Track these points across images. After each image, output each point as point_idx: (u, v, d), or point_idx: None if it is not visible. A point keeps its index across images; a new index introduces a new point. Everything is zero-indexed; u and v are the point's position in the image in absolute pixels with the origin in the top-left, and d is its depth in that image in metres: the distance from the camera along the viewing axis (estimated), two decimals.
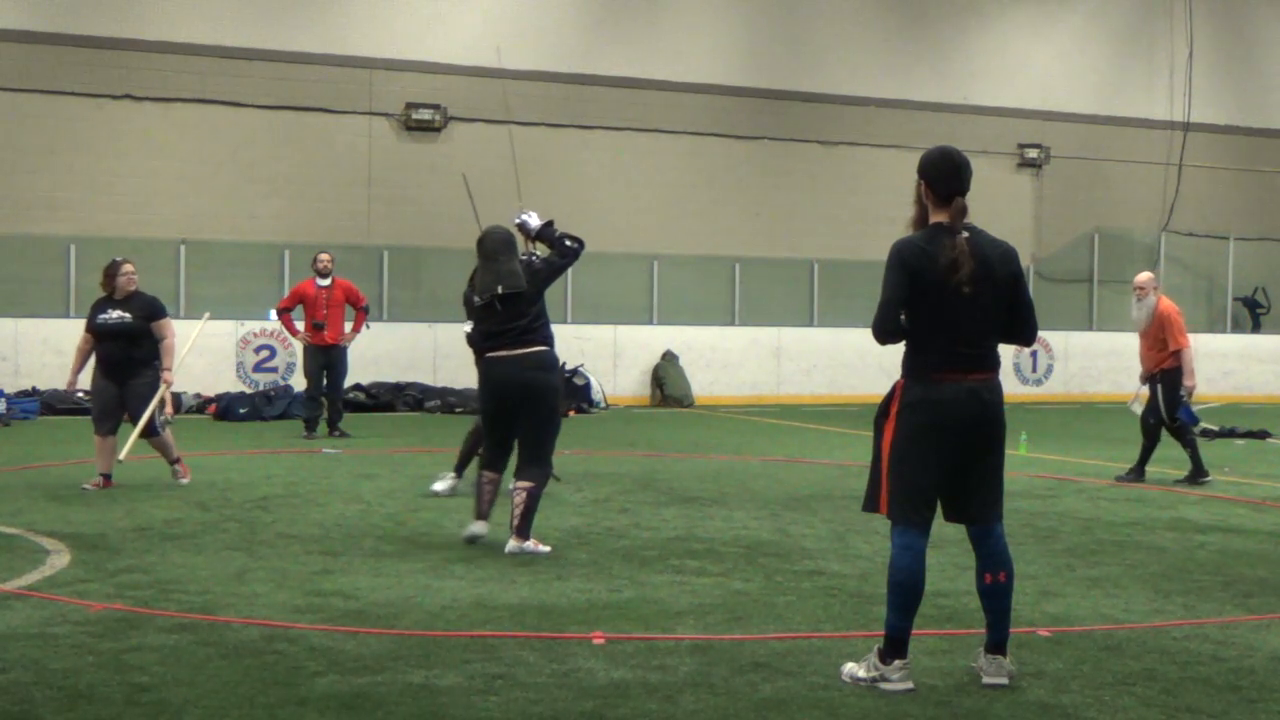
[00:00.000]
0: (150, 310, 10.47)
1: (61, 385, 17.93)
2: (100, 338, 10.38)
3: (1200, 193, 25.74)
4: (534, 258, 8.34)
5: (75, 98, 19.35)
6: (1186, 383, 11.62)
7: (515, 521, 7.91)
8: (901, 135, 22.47)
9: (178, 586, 6.77)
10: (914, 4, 24.19)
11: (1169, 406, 11.63)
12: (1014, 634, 5.41)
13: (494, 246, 8.15)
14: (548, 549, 7.95)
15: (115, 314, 10.35)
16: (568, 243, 8.35)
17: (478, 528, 8.12)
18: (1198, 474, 11.66)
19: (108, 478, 10.30)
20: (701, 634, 5.98)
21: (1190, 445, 11.76)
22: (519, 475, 8.01)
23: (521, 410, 8.04)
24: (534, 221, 8.55)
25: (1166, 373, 11.67)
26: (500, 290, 8.01)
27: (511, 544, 7.86)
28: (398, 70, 20.90)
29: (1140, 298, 11.82)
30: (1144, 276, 12.03)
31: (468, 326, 8.47)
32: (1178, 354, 11.65)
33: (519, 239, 8.45)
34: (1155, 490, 11.34)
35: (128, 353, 10.35)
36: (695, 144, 22.62)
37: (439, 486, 10.16)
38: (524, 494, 7.92)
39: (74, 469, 11.72)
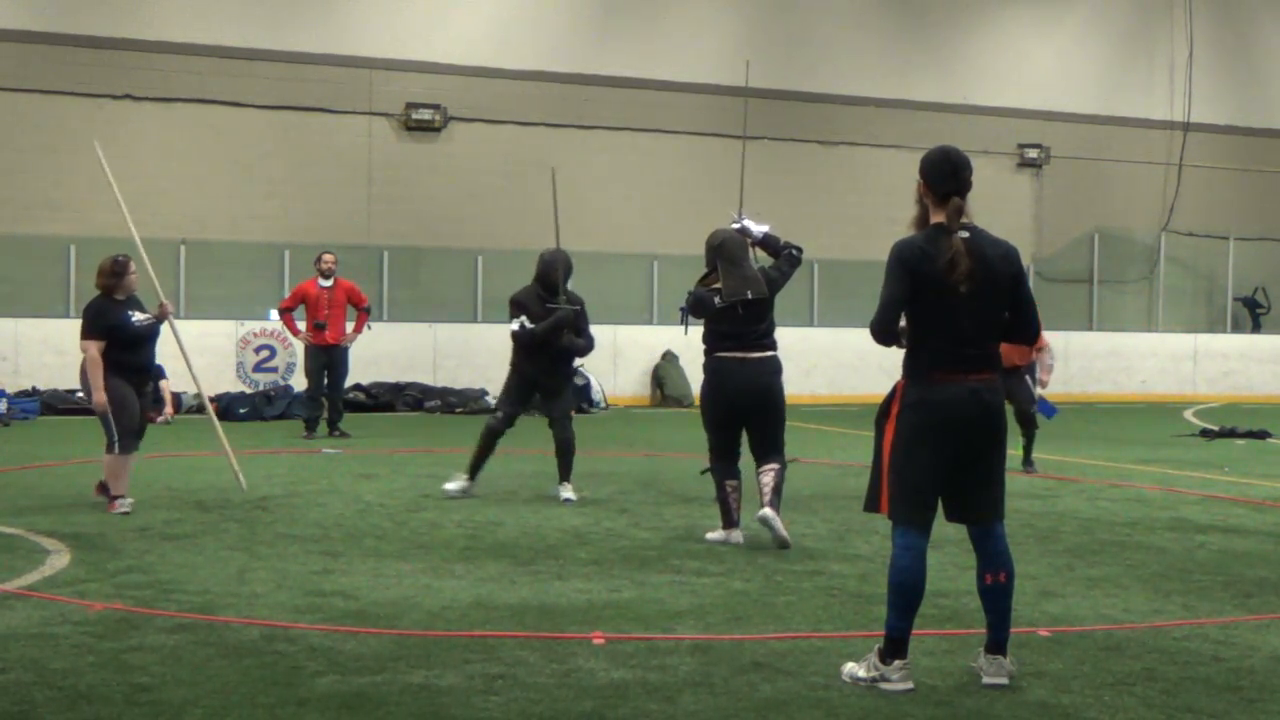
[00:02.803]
0: (145, 310, 9.64)
1: (63, 386, 17.96)
2: (130, 343, 9.28)
3: (1200, 193, 25.74)
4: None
5: (75, 98, 19.35)
6: (1041, 377, 12.77)
7: (768, 497, 8.28)
8: (901, 135, 22.46)
9: (178, 586, 6.77)
10: (914, 4, 24.19)
11: (1030, 397, 12.47)
12: (1014, 634, 5.41)
13: (736, 252, 8.53)
14: (786, 537, 8.23)
15: (139, 315, 9.40)
16: (794, 252, 8.74)
17: (737, 536, 8.35)
18: (1027, 461, 12.52)
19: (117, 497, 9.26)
20: (701, 634, 5.98)
21: (1031, 436, 12.59)
22: (764, 462, 8.38)
23: (754, 412, 8.41)
24: (756, 229, 8.81)
25: (1032, 367, 12.62)
26: (750, 296, 8.36)
27: (767, 511, 8.20)
28: (398, 70, 20.90)
29: None
30: None
31: (687, 325, 8.96)
32: (1041, 350, 12.76)
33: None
34: (1155, 490, 11.35)
35: (151, 359, 9.56)
36: (695, 144, 22.61)
37: (451, 486, 10.14)
38: (773, 474, 8.33)
39: (74, 469, 11.72)
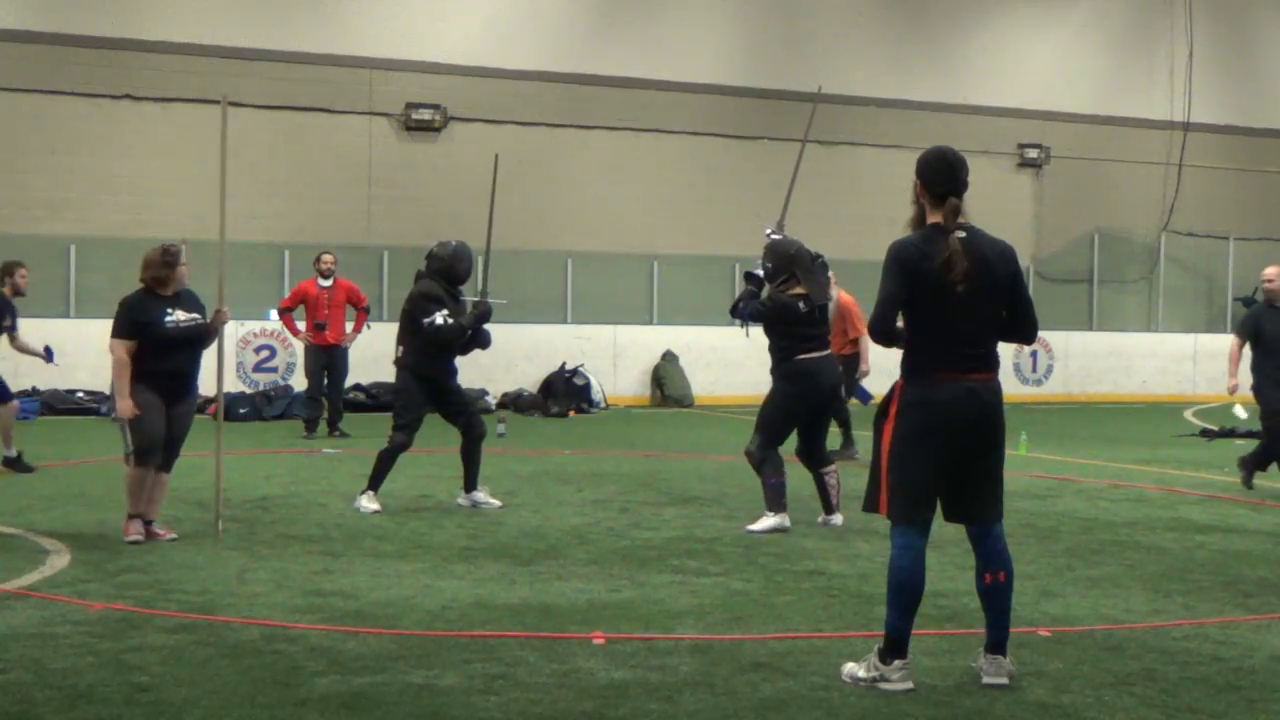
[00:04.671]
0: (203, 309, 8.52)
1: (63, 386, 17.96)
2: (166, 346, 8.11)
3: (1200, 193, 25.73)
4: (767, 268, 9.11)
5: (75, 98, 19.33)
6: (863, 367, 13.16)
7: (837, 500, 9.04)
8: (901, 135, 22.43)
9: (178, 586, 6.77)
10: (914, 4, 24.18)
11: (850, 388, 13.00)
12: (1014, 634, 5.41)
13: (809, 259, 9.01)
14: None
15: (182, 315, 8.24)
16: (822, 259, 9.47)
17: (788, 521, 8.85)
18: (847, 445, 13.15)
19: (150, 524, 8.16)
20: (701, 634, 5.98)
21: (846, 424, 13.25)
22: (824, 464, 9.07)
23: (829, 406, 9.17)
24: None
25: (847, 359, 12.93)
26: (829, 300, 9.16)
27: (839, 518, 9.01)
28: (398, 70, 20.88)
29: None
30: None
31: (748, 329, 9.48)
32: (857, 341, 13.12)
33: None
34: (1155, 490, 11.35)
35: (192, 364, 8.38)
36: (695, 144, 22.61)
37: (374, 506, 9.43)
38: (837, 476, 9.12)
39: (74, 469, 11.73)
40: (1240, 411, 14.77)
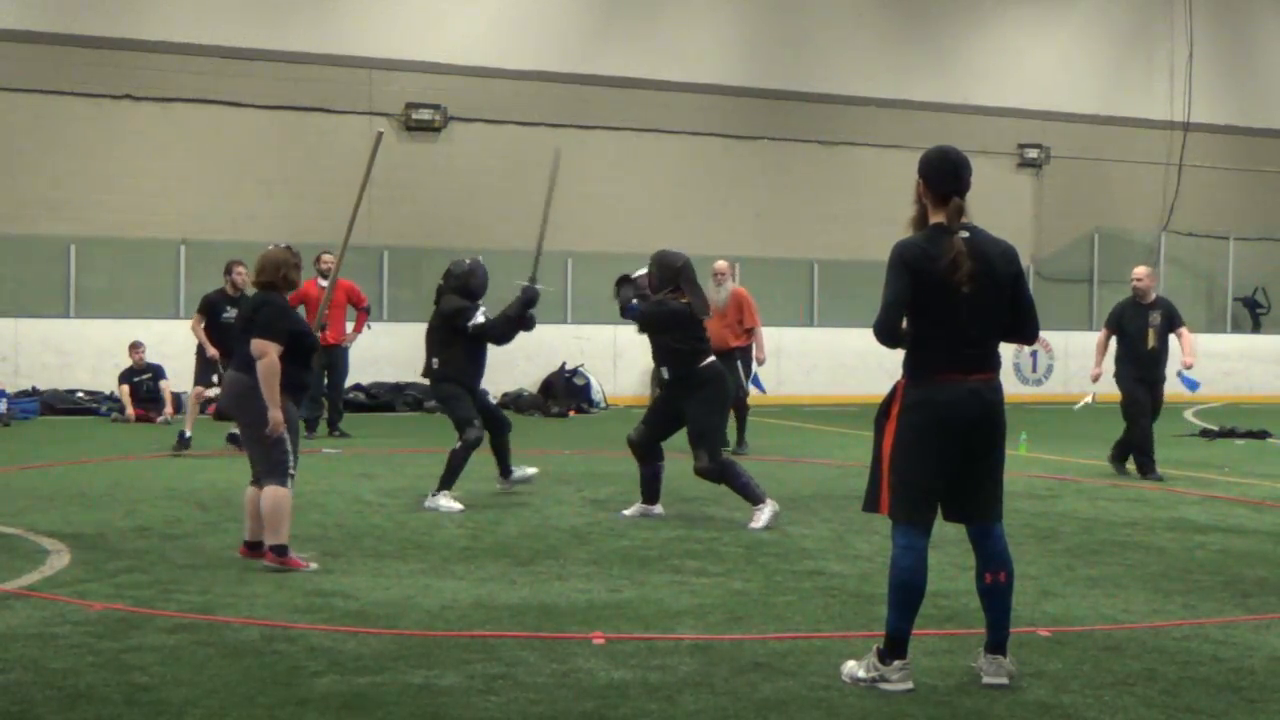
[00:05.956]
0: None
1: (63, 386, 17.99)
2: (307, 354, 7.47)
3: (1200, 193, 25.73)
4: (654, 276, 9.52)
5: (75, 98, 19.34)
6: (759, 355, 13.74)
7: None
8: (901, 135, 22.46)
9: (178, 586, 6.77)
10: (914, 4, 24.19)
11: (740, 381, 13.44)
12: (1014, 634, 5.41)
13: (695, 275, 9.41)
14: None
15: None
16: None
17: (774, 504, 9.06)
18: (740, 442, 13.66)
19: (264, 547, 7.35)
20: (701, 634, 5.98)
21: (742, 419, 13.58)
22: (660, 458, 9.49)
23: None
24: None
25: (744, 350, 13.51)
26: (708, 314, 9.50)
27: (660, 509, 9.41)
28: (398, 70, 20.90)
29: (720, 282, 13.75)
30: (723, 264, 13.99)
31: (632, 331, 9.93)
32: (752, 331, 13.60)
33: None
34: (1155, 490, 11.35)
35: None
36: (695, 144, 22.61)
37: (456, 506, 9.48)
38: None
39: (74, 469, 11.73)
40: (1089, 400, 15.27)
